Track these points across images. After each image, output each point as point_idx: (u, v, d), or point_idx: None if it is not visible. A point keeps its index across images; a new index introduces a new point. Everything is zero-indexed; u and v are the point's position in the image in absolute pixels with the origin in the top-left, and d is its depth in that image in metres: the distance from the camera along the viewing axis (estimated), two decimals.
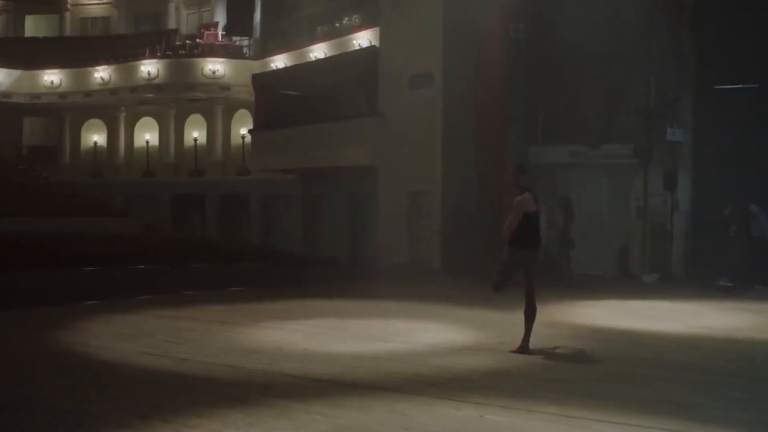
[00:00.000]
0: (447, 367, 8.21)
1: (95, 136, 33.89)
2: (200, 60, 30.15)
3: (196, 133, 32.04)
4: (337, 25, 26.48)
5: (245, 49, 31.16)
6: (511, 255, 9.07)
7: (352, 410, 6.45)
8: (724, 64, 18.38)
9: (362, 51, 24.40)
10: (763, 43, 17.65)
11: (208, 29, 31.63)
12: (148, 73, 30.67)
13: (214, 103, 31.53)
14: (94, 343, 9.30)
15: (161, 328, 10.52)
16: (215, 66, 29.90)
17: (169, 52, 30.98)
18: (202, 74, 30.09)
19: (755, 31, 17.81)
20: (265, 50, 29.73)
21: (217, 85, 30.24)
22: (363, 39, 24.85)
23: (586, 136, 19.33)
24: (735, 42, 18.07)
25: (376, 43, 24.31)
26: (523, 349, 8.92)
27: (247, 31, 30.16)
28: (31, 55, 33.16)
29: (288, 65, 28.04)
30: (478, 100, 19.05)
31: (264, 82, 28.18)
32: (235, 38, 31.22)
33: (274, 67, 28.54)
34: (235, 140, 31.69)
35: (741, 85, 18.21)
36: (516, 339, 9.56)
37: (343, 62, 24.99)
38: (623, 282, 18.33)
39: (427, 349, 9.31)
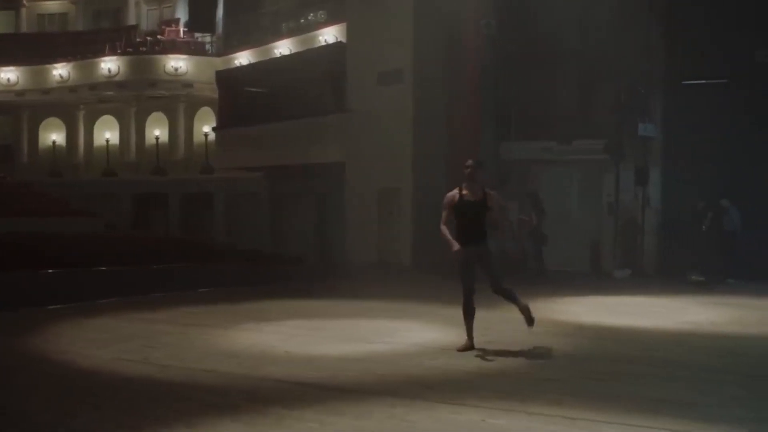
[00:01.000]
0: (438, 368, 8.01)
1: (54, 135, 33.10)
2: (162, 57, 29.57)
3: (158, 131, 31.45)
4: (303, 21, 26.11)
5: (208, 46, 30.63)
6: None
7: (348, 416, 6.21)
8: (694, 59, 18.45)
9: (329, 47, 24.10)
10: (731, 38, 17.74)
11: (169, 25, 31.05)
12: (109, 70, 30.01)
13: (177, 100, 30.98)
14: (69, 349, 8.93)
15: (138, 332, 10.15)
16: (178, 63, 29.35)
17: (130, 49, 30.33)
18: (164, 71, 29.52)
19: (724, 26, 17.89)
20: (228, 47, 29.26)
21: (179, 82, 29.70)
22: (329, 35, 24.54)
23: (558, 132, 19.29)
24: (704, 37, 18.14)
25: (343, 39, 24.04)
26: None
27: (209, 28, 29.63)
28: None
29: (252, 62, 27.62)
30: (450, 96, 18.87)
31: (228, 78, 27.73)
32: (197, 35, 30.66)
33: (238, 64, 28.10)
34: (198, 138, 31.19)
35: (710, 81, 18.26)
36: (501, 338, 9.44)
37: (310, 58, 24.68)
38: (595, 278, 18.32)
39: (414, 349, 9.10)
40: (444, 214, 8.82)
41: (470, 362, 8.36)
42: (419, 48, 20.06)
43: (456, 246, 8.68)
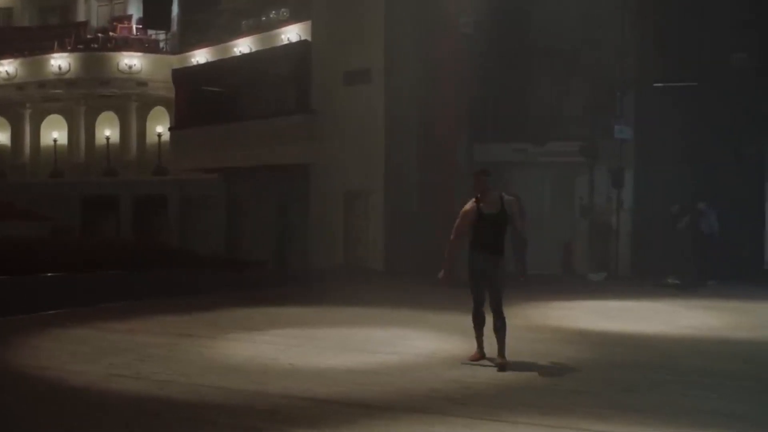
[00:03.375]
0: (457, 380, 7.56)
1: None
2: (115, 54, 28.50)
3: (108, 131, 30.32)
4: (264, 19, 25.41)
5: (162, 44, 29.66)
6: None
7: None
8: (665, 62, 18.38)
9: (293, 46, 23.47)
10: (704, 41, 17.71)
11: (121, 22, 29.95)
12: (59, 68, 28.81)
13: (128, 99, 29.87)
14: (51, 365, 8.21)
15: (121, 344, 9.47)
16: (131, 61, 28.34)
17: (80, 46, 29.18)
18: (118, 69, 28.45)
19: (697, 29, 17.85)
20: (184, 45, 28.33)
21: (133, 80, 28.65)
22: (292, 33, 23.89)
23: (533, 134, 19.05)
24: (677, 40, 18.09)
25: (306, 37, 23.46)
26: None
27: (164, 25, 28.66)
28: None
29: (210, 60, 26.81)
30: (425, 97, 18.46)
31: (185, 77, 26.89)
32: (150, 32, 29.67)
33: (195, 63, 27.25)
34: (151, 139, 30.13)
35: (681, 83, 18.21)
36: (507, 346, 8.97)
37: (272, 57, 24.02)
38: (571, 281, 18.10)
39: (422, 360, 8.64)
40: (458, 226, 8.36)
41: (486, 373, 7.94)
42: (391, 47, 19.61)
43: (446, 271, 8.46)
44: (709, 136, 17.75)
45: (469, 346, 9.38)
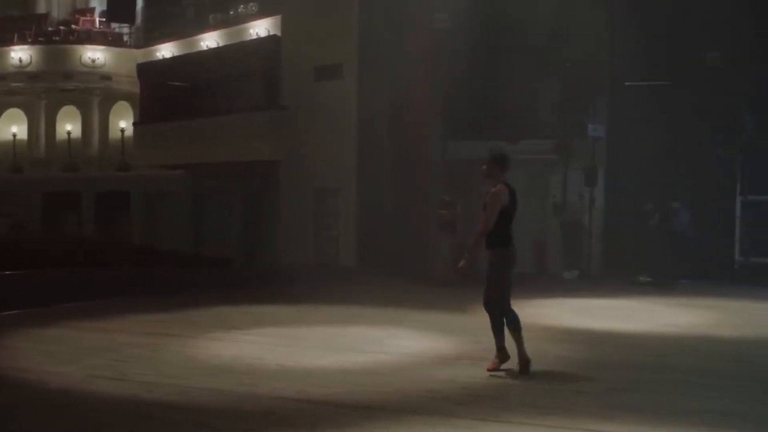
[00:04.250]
0: (456, 381, 7.40)
1: None
2: (78, 47, 27.86)
3: (69, 126, 29.67)
4: (232, 13, 25.02)
5: (126, 37, 29.10)
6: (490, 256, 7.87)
7: None
8: (639, 60, 18.39)
9: (262, 40, 23.13)
10: (678, 40, 17.75)
11: (83, 15, 29.32)
12: (19, 60, 28.11)
13: (91, 94, 29.24)
14: (30, 367, 7.89)
15: (99, 344, 9.15)
16: (95, 54, 27.73)
17: (42, 38, 28.48)
18: (81, 62, 27.82)
19: (670, 28, 17.89)
20: (149, 38, 27.82)
21: (97, 74, 28.03)
22: (261, 28, 23.56)
23: (506, 132, 18.93)
24: (650, 39, 18.11)
25: (274, 32, 23.16)
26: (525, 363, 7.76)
27: (128, 18, 28.10)
28: None
29: (177, 55, 26.35)
30: (399, 93, 18.28)
31: (150, 71, 26.41)
32: (114, 25, 29.09)
33: (161, 57, 26.75)
34: (114, 134, 29.56)
35: (653, 82, 18.25)
36: (490, 344, 8.75)
37: (241, 52, 23.65)
38: (544, 279, 18.06)
39: (414, 360, 8.47)
40: (493, 213, 7.65)
41: (482, 373, 7.77)
42: (365, 42, 19.39)
43: (467, 263, 7.73)
44: (682, 135, 17.79)
45: (455, 345, 9.29)
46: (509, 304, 7.81)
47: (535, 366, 7.81)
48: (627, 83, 18.50)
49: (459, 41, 18.16)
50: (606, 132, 18.86)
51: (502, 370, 7.76)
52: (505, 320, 7.83)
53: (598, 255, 19.16)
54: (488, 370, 7.73)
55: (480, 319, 10.03)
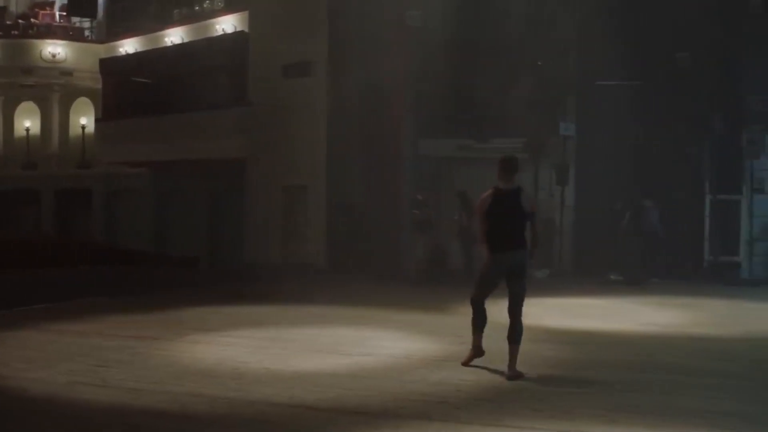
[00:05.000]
0: (448, 383, 7.28)
1: None
2: (38, 42, 27.23)
3: (28, 122, 29.02)
4: (197, 8, 24.65)
5: (87, 32, 28.51)
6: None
7: None
8: (609, 60, 18.45)
9: (229, 36, 22.82)
10: (648, 40, 17.85)
11: (42, 8, 28.65)
12: None
13: (50, 90, 28.62)
14: (5, 373, 7.54)
15: (75, 348, 8.85)
16: (55, 49, 27.12)
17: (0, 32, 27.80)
18: (41, 57, 27.19)
19: (639, 28, 17.98)
20: (111, 33, 27.30)
21: (57, 69, 27.41)
22: (227, 24, 23.23)
23: (477, 130, 18.90)
24: (620, 39, 18.17)
25: (241, 28, 22.86)
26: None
27: (90, 12, 27.51)
28: None
29: (139, 50, 25.88)
30: (370, 90, 18.12)
31: (113, 67, 25.92)
32: (75, 19, 28.47)
33: (123, 52, 26.25)
34: (74, 131, 28.98)
35: (624, 82, 18.33)
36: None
37: (207, 48, 23.32)
38: None
39: (401, 362, 8.32)
40: (478, 219, 8.00)
41: (473, 375, 7.68)
42: (335, 39, 19.19)
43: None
44: (651, 135, 17.92)
45: (441, 346, 9.17)
46: (481, 300, 7.97)
47: (524, 368, 7.74)
48: (597, 82, 18.57)
49: (431, 39, 18.07)
50: (576, 131, 18.92)
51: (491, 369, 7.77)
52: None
53: (567, 254, 19.23)
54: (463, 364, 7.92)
55: (460, 319, 9.99)
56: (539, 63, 18.41)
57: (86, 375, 7.50)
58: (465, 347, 8.51)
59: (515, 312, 7.70)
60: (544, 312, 12.22)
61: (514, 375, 7.50)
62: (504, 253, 7.65)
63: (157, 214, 27.16)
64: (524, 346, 9.15)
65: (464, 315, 9.69)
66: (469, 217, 16.57)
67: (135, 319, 11.16)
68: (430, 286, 15.90)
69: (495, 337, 9.02)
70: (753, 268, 17.32)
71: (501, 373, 7.67)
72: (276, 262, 20.51)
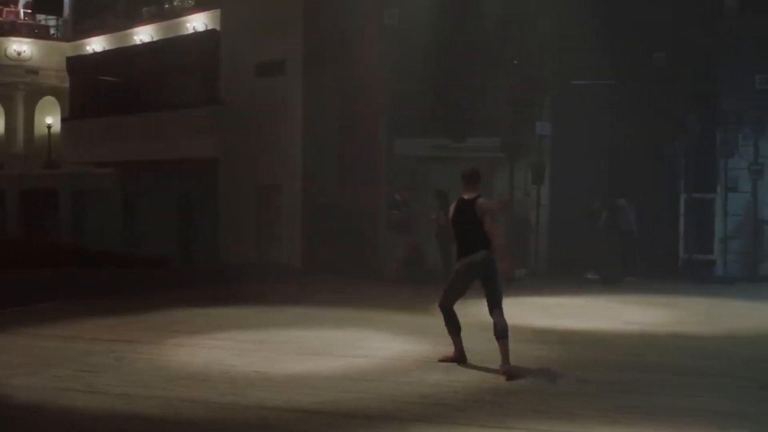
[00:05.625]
0: (446, 385, 7.19)
1: None
2: (3, 39, 26.72)
3: None
4: (167, 6, 24.34)
5: (53, 30, 28.02)
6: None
7: None
8: (584, 59, 18.51)
9: (200, 35, 22.59)
10: (621, 40, 17.91)
11: (7, 5, 28.12)
12: None
13: (15, 88, 28.11)
14: None
15: (57, 352, 8.61)
16: (21, 47, 26.62)
17: None
18: (6, 55, 26.69)
19: (616, 28, 18.04)
20: (78, 31, 26.88)
21: (22, 67, 26.95)
22: (198, 22, 22.99)
23: (452, 130, 18.87)
24: (595, 38, 18.24)
25: (212, 26, 22.62)
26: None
27: (56, 10, 27.06)
28: None
29: (107, 48, 25.48)
30: (346, 89, 18.00)
31: (81, 66, 25.50)
32: (40, 17, 27.96)
33: (91, 51, 25.84)
34: (40, 130, 28.50)
35: (599, 81, 18.40)
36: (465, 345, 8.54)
37: (178, 47, 23.06)
38: None
39: (396, 363, 8.22)
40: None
41: (469, 376, 7.61)
42: (310, 37, 19.02)
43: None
44: (627, 134, 17.99)
45: (431, 347, 9.06)
46: (449, 303, 8.15)
47: (521, 368, 7.73)
48: (573, 82, 18.62)
49: (408, 38, 18.01)
50: (552, 130, 18.94)
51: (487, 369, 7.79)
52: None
53: (543, 253, 19.26)
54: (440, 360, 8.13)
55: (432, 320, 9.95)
56: (515, 62, 18.42)
57: (73, 381, 7.30)
58: (452, 348, 8.44)
59: (495, 312, 7.90)
60: (528, 312, 12.21)
61: (509, 370, 7.54)
62: (470, 256, 7.91)
63: (125, 215, 26.77)
64: (514, 346, 9.12)
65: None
66: (447, 216, 16.51)
67: (114, 322, 10.91)
68: (410, 286, 15.84)
69: (483, 338, 9.03)
70: (727, 266, 17.46)
71: (495, 372, 7.61)
72: (250, 262, 20.30)
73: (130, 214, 26.57)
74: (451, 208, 8.29)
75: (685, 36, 17.32)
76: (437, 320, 10.81)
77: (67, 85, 26.27)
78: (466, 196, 8.15)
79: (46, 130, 28.01)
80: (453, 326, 8.16)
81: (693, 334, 10.09)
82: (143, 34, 24.49)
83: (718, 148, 17.36)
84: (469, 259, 7.88)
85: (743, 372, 7.93)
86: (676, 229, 18.05)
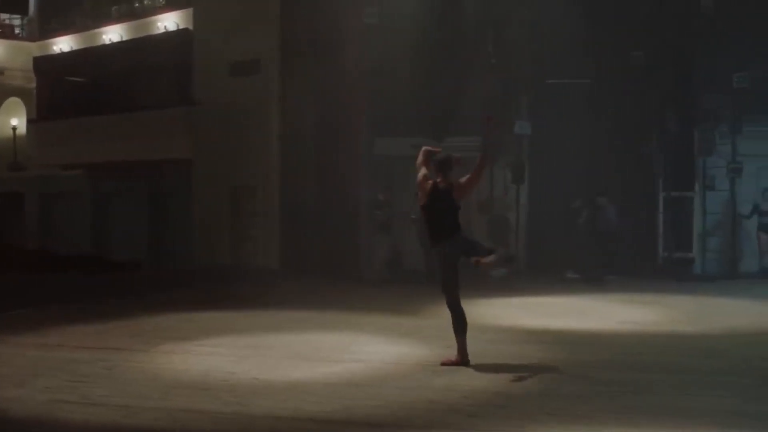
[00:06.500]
0: (453, 390, 7.03)
1: None
2: None
3: None
4: (137, 5, 23.89)
5: (18, 29, 27.38)
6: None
7: None
8: (563, 58, 18.50)
9: (172, 34, 22.20)
10: (601, 39, 17.93)
11: None
12: None
13: None
14: None
15: (43, 362, 8.31)
16: None
17: None
18: None
19: (593, 27, 18.04)
20: (44, 30, 26.28)
21: None
22: (170, 21, 22.59)
23: (431, 129, 18.70)
24: (573, 37, 18.23)
25: (184, 25, 22.26)
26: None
27: (21, 9, 26.44)
28: None
29: (76, 48, 24.97)
30: (324, 88, 17.77)
31: (48, 66, 24.98)
32: (4, 16, 27.31)
33: (59, 50, 25.30)
34: (4, 132, 27.82)
35: (576, 80, 18.38)
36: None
37: (150, 46, 22.64)
38: (470, 277, 17.88)
39: (394, 367, 8.05)
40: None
41: (474, 380, 7.44)
42: (287, 36, 18.77)
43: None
44: (605, 133, 17.99)
45: (428, 351, 8.90)
46: (458, 300, 8.05)
47: (523, 369, 7.66)
48: (550, 81, 18.59)
49: (386, 37, 17.82)
50: (530, 129, 18.89)
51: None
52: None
53: (522, 252, 19.20)
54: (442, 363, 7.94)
55: (437, 322, 9.86)
56: (493, 61, 18.34)
57: (66, 392, 7.02)
58: (453, 351, 8.28)
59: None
60: (517, 312, 12.19)
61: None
62: (450, 238, 8.00)
63: (95, 218, 26.24)
64: (513, 347, 9.10)
65: (439, 317, 9.61)
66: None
67: (95, 329, 10.61)
68: (392, 287, 15.70)
69: (482, 339, 8.92)
70: (706, 264, 17.54)
71: (501, 375, 7.48)
72: (225, 264, 20.00)
73: (101, 217, 26.05)
74: (426, 185, 8.12)
75: (663, 35, 17.36)
76: (427, 322, 10.79)
77: (33, 85, 25.74)
78: (442, 184, 8.11)
79: (11, 132, 27.34)
80: (462, 324, 7.97)
81: (688, 333, 10.05)
82: (113, 34, 24.00)
83: (697, 147, 17.41)
84: (458, 237, 8.03)
85: (745, 371, 7.87)
86: (655, 227, 18.08)
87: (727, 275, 16.92)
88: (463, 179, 8.29)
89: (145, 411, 6.35)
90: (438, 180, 8.13)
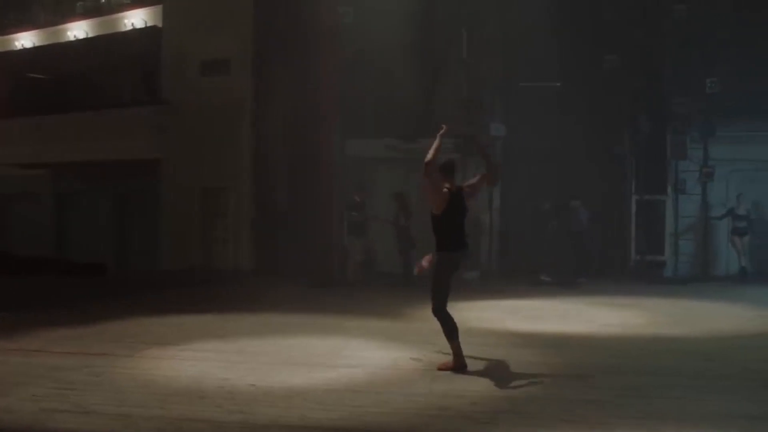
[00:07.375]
0: (458, 395, 6.91)
1: None
2: None
3: None
4: (103, 1, 23.39)
5: None
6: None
7: None
8: (535, 61, 18.54)
9: (140, 31, 21.77)
10: (574, 42, 17.99)
11: None
12: None
13: None
14: None
15: (25, 369, 7.99)
16: None
17: None
18: None
19: (562, 31, 18.08)
20: (3, 26, 25.60)
21: None
22: (137, 18, 22.16)
23: (403, 130, 18.63)
24: (545, 40, 18.27)
25: (152, 23, 21.85)
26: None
27: None
28: None
29: (38, 44, 24.38)
30: (296, 89, 17.57)
31: (8, 62, 24.31)
32: None
33: (20, 47, 24.68)
34: None
35: (548, 83, 18.43)
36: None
37: (116, 43, 22.20)
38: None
39: (393, 373, 7.91)
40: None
41: (478, 386, 7.33)
42: (260, 35, 18.51)
43: None
44: (577, 136, 18.05)
45: (419, 355, 8.78)
46: (444, 306, 7.92)
47: (522, 374, 7.58)
48: (522, 84, 18.61)
49: (359, 37, 17.70)
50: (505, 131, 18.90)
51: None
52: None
53: (495, 255, 19.20)
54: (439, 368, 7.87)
55: (422, 326, 9.78)
56: (465, 60, 18.33)
57: (56, 400, 6.74)
58: (443, 355, 8.20)
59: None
60: (499, 315, 12.17)
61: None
62: (458, 252, 8.02)
63: (56, 219, 25.65)
64: (504, 351, 9.01)
65: (423, 321, 9.56)
66: (407, 218, 16.30)
67: (72, 334, 10.28)
68: (367, 289, 15.57)
69: (476, 343, 8.82)
70: (678, 267, 17.69)
71: (502, 380, 7.40)
72: (197, 267, 19.67)
73: (63, 218, 25.48)
74: (443, 199, 7.88)
75: (635, 38, 17.50)
76: (412, 326, 10.68)
77: None
78: (454, 190, 8.03)
79: None
80: (452, 329, 7.88)
81: (675, 336, 10.06)
82: (77, 30, 23.48)
83: (670, 150, 17.55)
84: (462, 253, 8.07)
85: (741, 373, 7.88)
86: (627, 230, 18.20)
87: (700, 278, 17.08)
88: (467, 185, 8.22)
89: (145, 420, 6.11)
90: (448, 186, 7.98)
